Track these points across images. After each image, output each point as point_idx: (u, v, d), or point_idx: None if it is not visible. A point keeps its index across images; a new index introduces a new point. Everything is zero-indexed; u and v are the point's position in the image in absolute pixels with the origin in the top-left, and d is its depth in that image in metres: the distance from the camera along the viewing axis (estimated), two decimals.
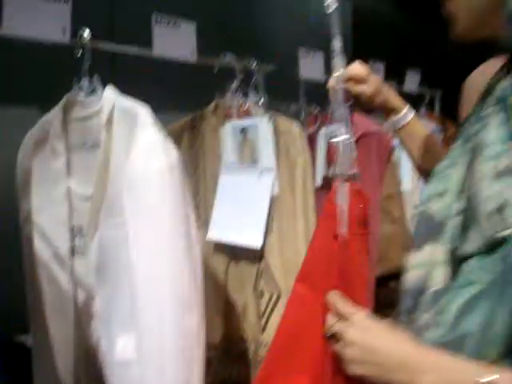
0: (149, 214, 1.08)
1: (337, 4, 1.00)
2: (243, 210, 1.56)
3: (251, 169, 1.56)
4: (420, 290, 0.78)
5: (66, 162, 1.23)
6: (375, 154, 1.94)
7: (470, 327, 0.67)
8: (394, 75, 2.30)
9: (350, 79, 1.14)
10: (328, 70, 1.95)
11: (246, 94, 1.64)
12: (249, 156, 1.58)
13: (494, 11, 0.75)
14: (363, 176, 1.96)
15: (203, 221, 1.61)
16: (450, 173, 0.81)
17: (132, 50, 1.36)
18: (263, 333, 1.56)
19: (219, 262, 1.63)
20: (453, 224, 0.76)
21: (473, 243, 0.70)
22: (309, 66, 1.85)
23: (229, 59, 1.59)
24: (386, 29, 3.27)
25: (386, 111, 1.23)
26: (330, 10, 1.02)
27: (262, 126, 1.55)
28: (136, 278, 1.07)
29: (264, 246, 1.56)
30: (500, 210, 0.67)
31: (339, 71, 1.01)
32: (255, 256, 1.59)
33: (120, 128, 1.15)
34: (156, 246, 1.07)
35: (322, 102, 2.01)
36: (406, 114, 1.23)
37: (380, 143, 1.95)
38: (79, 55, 1.23)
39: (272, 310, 1.56)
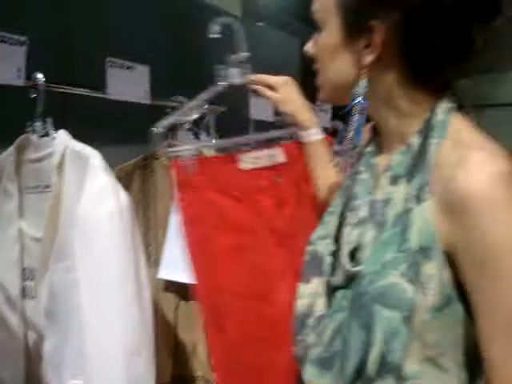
0: (98, 259, 1.10)
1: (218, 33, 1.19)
2: None
3: None
4: (307, 316, 0.95)
5: (18, 204, 1.23)
6: None
7: (337, 347, 0.85)
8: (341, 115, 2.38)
9: (266, 85, 1.40)
10: (278, 112, 2.01)
11: (197, 135, 1.68)
12: None
13: (351, 88, 0.91)
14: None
15: (154, 259, 1.63)
16: (330, 220, 1.01)
17: (86, 92, 1.38)
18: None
19: (169, 301, 1.64)
20: (327, 262, 0.95)
21: (338, 278, 0.90)
22: (259, 108, 1.90)
23: (181, 100, 1.62)
24: None
25: (296, 123, 1.39)
26: (212, 36, 1.21)
27: None
28: (85, 323, 1.08)
29: None
30: (354, 251, 0.88)
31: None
32: None
33: (71, 171, 1.16)
34: (105, 290, 1.09)
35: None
36: (311, 134, 1.36)
37: None
38: (33, 97, 1.25)
39: None
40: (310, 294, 0.96)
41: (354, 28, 0.87)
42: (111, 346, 1.08)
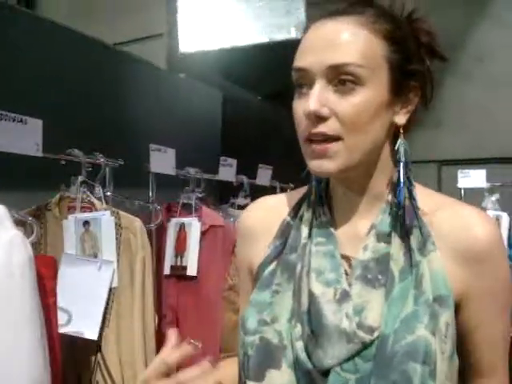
0: (10, 305, 1.16)
1: None
2: (82, 301, 1.59)
3: (92, 261, 1.61)
4: None
5: None
6: (221, 246, 2.05)
7: None
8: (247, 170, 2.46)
9: None
10: (179, 165, 2.06)
11: (92, 188, 1.70)
12: (90, 248, 1.63)
13: (378, 152, 0.88)
14: (209, 266, 2.06)
15: None
16: (276, 301, 0.87)
17: None
18: None
19: None
20: (296, 347, 0.82)
21: (333, 356, 0.79)
22: (160, 162, 1.94)
23: (76, 154, 1.64)
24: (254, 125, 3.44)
25: None
26: None
27: (105, 219, 1.62)
28: None
29: (101, 338, 1.60)
30: (357, 325, 0.80)
31: None
32: (93, 348, 1.61)
33: None
34: (16, 334, 1.15)
35: (172, 195, 2.12)
36: None
37: (226, 236, 2.06)
38: None
39: None
40: None
41: (400, 86, 0.85)
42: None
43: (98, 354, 1.61)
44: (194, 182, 2.12)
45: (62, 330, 1.58)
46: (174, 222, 2.08)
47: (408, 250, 0.84)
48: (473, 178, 2.92)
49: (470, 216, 0.87)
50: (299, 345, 0.82)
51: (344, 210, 0.92)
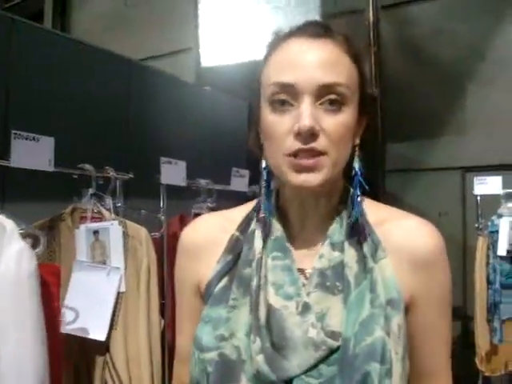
0: (19, 308, 1.31)
1: None
2: (92, 305, 1.71)
3: (101, 267, 1.73)
4: None
5: None
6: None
7: None
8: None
9: None
10: (190, 176, 2.17)
11: (102, 199, 1.82)
12: (100, 256, 1.75)
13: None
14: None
15: None
16: (232, 316, 0.89)
17: None
18: None
19: (69, 354, 1.75)
20: (257, 361, 0.84)
21: (299, 365, 0.83)
22: (170, 174, 2.05)
23: (86, 168, 1.77)
24: None
25: None
26: None
27: (113, 229, 1.74)
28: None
29: (109, 339, 1.71)
30: (324, 332, 0.84)
31: None
32: (102, 348, 1.72)
33: None
34: (23, 335, 1.30)
35: (184, 205, 2.23)
36: None
37: None
38: None
39: None
40: None
41: (362, 108, 0.92)
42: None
43: (107, 354, 1.72)
44: (205, 192, 2.23)
45: (69, 327, 1.70)
46: None
47: (361, 257, 0.89)
48: (489, 185, 2.93)
49: (415, 228, 0.93)
50: (260, 358, 0.84)
51: (299, 224, 0.96)
